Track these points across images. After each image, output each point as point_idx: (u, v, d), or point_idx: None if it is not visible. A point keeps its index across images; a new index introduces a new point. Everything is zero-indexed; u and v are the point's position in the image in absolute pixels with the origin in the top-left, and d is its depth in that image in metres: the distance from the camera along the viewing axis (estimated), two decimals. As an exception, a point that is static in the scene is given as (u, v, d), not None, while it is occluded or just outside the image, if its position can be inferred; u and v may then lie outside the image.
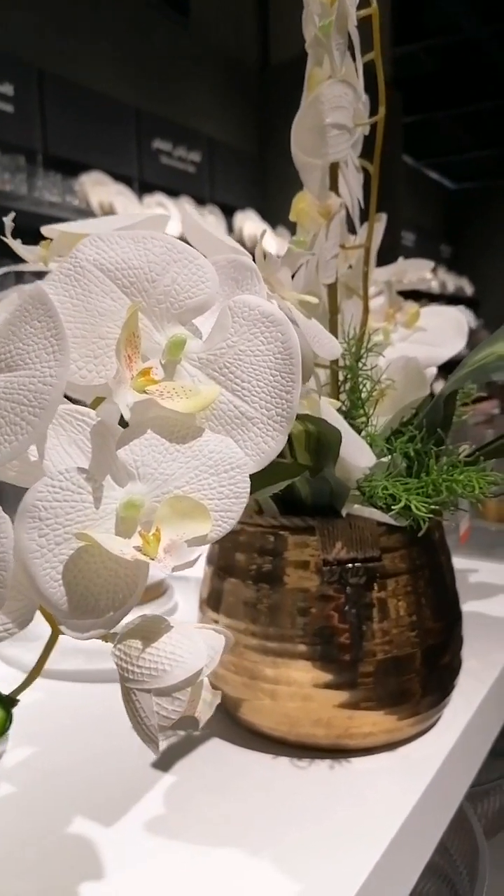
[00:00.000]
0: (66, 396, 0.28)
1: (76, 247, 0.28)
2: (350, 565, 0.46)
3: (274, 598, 0.47)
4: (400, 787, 0.44)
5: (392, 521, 0.46)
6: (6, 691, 0.29)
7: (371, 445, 0.47)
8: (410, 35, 4.89)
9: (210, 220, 3.77)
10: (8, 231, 0.36)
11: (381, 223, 0.53)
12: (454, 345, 0.55)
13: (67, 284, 0.28)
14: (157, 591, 0.74)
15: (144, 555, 0.24)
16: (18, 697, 0.29)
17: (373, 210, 0.50)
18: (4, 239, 0.38)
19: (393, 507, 0.44)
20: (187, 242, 0.31)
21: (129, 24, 3.70)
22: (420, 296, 5.05)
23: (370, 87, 0.48)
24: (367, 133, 0.50)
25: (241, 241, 3.64)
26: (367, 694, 0.46)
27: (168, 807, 0.43)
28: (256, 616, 0.47)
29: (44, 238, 0.37)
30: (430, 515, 0.44)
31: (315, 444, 0.45)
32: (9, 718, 0.27)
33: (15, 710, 0.29)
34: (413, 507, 0.43)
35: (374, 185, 0.49)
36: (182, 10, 3.97)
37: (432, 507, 0.44)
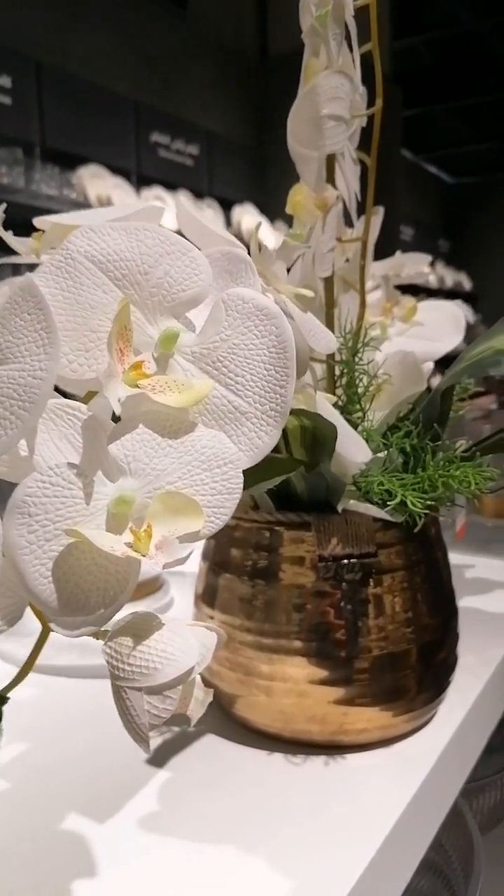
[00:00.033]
0: (59, 391, 0.28)
1: (67, 238, 0.28)
2: (346, 561, 0.45)
3: (269, 594, 0.47)
4: (395, 783, 0.44)
5: (388, 517, 0.45)
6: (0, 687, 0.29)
7: (367, 440, 0.47)
8: (410, 28, 4.87)
9: (208, 214, 3.75)
10: (-1, 222, 0.36)
11: (378, 216, 0.53)
12: (451, 339, 0.55)
13: (58, 276, 0.27)
14: (154, 586, 0.74)
15: (135, 551, 0.24)
16: (9, 695, 0.29)
17: (370, 203, 0.50)
18: None
19: (389, 503, 0.44)
20: (183, 236, 0.31)
21: (128, 17, 3.68)
22: (418, 290, 5.04)
23: (368, 79, 0.48)
24: (364, 125, 0.49)
25: (240, 235, 3.63)
26: (363, 690, 0.46)
27: (162, 803, 0.42)
28: (252, 612, 0.47)
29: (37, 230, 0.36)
30: (426, 511, 0.44)
31: (311, 439, 0.44)
32: (-1, 716, 0.27)
33: (8, 706, 0.28)
34: (409, 502, 0.43)
35: (371, 178, 0.49)
36: (180, 2, 3.95)
37: (428, 502, 0.44)
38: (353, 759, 0.46)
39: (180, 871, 0.37)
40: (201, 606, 0.52)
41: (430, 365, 0.55)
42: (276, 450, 0.46)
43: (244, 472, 0.28)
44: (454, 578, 0.54)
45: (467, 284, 7.36)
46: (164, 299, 0.28)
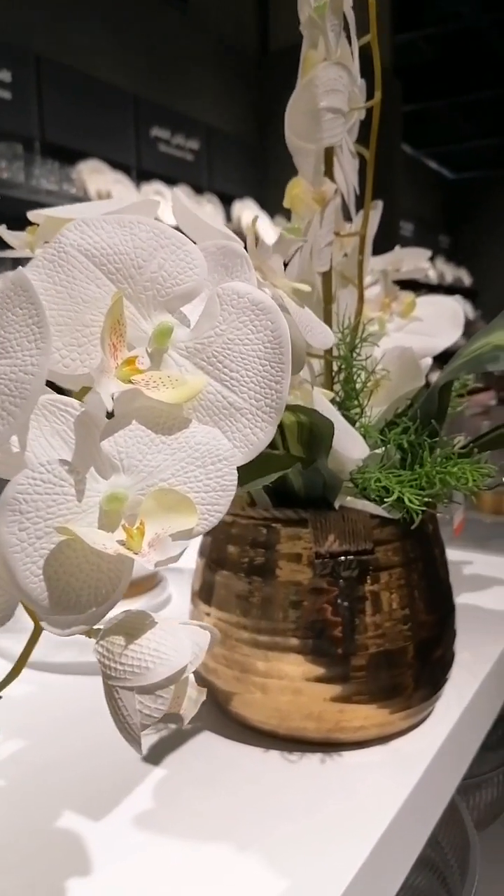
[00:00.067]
0: (56, 386, 0.27)
1: (60, 231, 0.27)
2: (343, 558, 0.45)
3: (266, 591, 0.46)
4: (391, 780, 0.44)
5: (385, 514, 0.45)
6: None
7: (365, 437, 0.47)
8: (410, 23, 4.85)
9: (208, 209, 3.74)
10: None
11: (377, 211, 0.52)
12: (450, 335, 0.54)
13: (51, 270, 0.27)
14: (151, 582, 0.74)
15: (128, 549, 0.24)
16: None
17: (368, 197, 0.49)
18: None
19: (386, 500, 0.44)
20: (181, 231, 0.31)
21: (128, 11, 3.66)
22: (418, 286, 5.03)
23: (367, 72, 0.47)
24: (363, 118, 0.49)
25: (240, 231, 3.61)
26: (359, 688, 0.46)
27: (158, 801, 0.42)
28: (248, 609, 0.47)
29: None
30: (424, 508, 0.43)
31: (308, 435, 0.44)
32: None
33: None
34: (406, 499, 0.43)
35: (369, 172, 0.48)
36: (180, -4, 3.93)
37: (426, 499, 0.44)
38: (349, 756, 0.46)
39: (176, 868, 0.37)
40: (198, 603, 0.51)
41: (428, 361, 0.55)
42: (273, 446, 0.45)
43: (241, 468, 0.28)
44: (452, 575, 0.54)
45: (467, 280, 7.35)
46: (158, 293, 0.28)
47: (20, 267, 0.26)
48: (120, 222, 0.28)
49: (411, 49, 5.20)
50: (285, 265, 0.44)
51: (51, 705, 0.54)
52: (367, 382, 0.50)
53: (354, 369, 0.49)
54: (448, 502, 0.47)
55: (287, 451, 0.45)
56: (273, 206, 3.89)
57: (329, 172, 0.47)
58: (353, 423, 0.48)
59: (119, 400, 0.26)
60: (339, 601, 0.45)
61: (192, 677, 0.26)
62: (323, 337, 0.38)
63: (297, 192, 0.46)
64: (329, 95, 0.43)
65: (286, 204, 0.48)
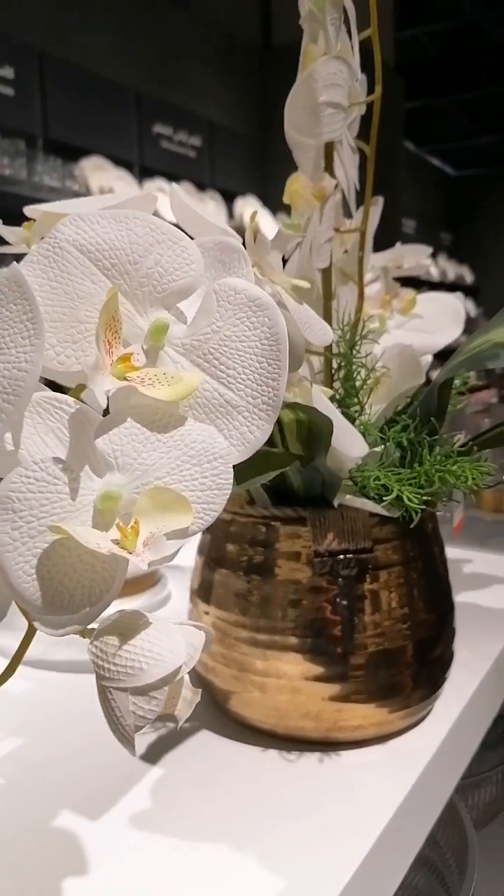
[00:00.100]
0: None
1: (55, 227, 0.27)
2: (342, 557, 0.45)
3: (265, 590, 0.46)
4: (390, 780, 0.44)
5: (384, 512, 0.45)
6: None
7: (365, 434, 0.46)
8: (412, 19, 4.83)
9: (210, 206, 3.74)
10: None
11: (377, 207, 0.52)
12: (451, 332, 0.54)
13: (45, 266, 0.27)
14: (152, 580, 0.74)
15: (122, 548, 0.24)
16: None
17: (369, 193, 0.49)
18: None
19: (385, 498, 0.44)
20: (180, 228, 0.30)
21: (131, 8, 3.65)
22: (420, 283, 5.02)
23: (368, 67, 0.47)
24: (363, 113, 0.49)
25: (242, 228, 3.60)
26: (358, 687, 0.45)
27: (155, 800, 0.42)
28: (247, 608, 0.47)
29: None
30: (423, 507, 0.43)
31: (307, 433, 0.44)
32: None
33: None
34: (405, 498, 0.43)
35: (370, 167, 0.48)
36: (183, -8, 3.92)
37: (425, 497, 0.43)
38: (347, 755, 0.46)
39: (174, 867, 0.37)
40: (196, 602, 0.51)
41: (428, 358, 0.54)
42: (272, 444, 0.45)
43: (239, 466, 0.27)
44: (452, 573, 0.53)
45: (469, 278, 7.33)
46: (154, 289, 0.28)
47: (14, 262, 0.26)
48: (116, 217, 0.28)
49: (414, 45, 5.18)
50: (284, 261, 0.44)
51: (49, 703, 0.54)
52: (367, 380, 0.49)
53: (354, 367, 0.49)
54: (447, 501, 0.46)
55: (286, 449, 0.45)
56: (276, 203, 3.87)
57: (329, 168, 0.46)
58: (352, 420, 0.48)
59: (114, 397, 0.26)
60: (338, 600, 0.45)
61: (187, 678, 0.26)
62: (322, 334, 0.38)
63: (296, 187, 0.46)
64: (329, 90, 0.42)
65: (286, 199, 0.47)
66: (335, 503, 0.45)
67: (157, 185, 3.50)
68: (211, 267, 0.30)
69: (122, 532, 0.24)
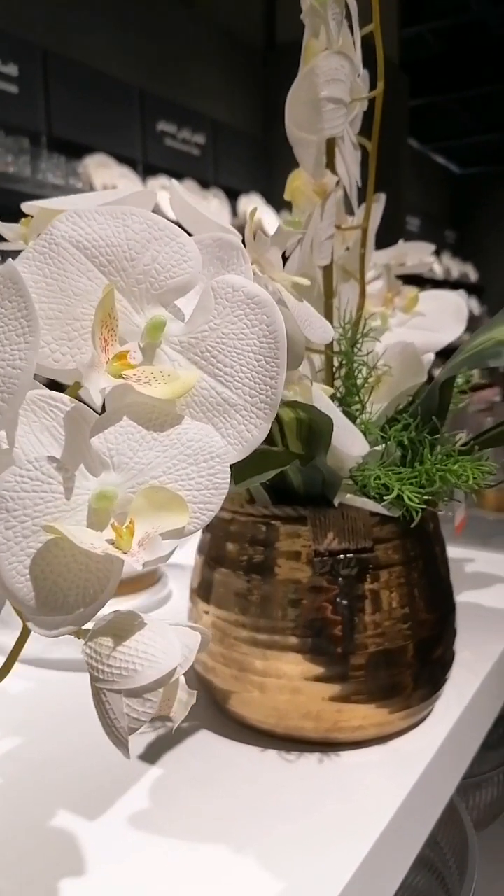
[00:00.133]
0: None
1: (51, 223, 0.27)
2: (342, 556, 0.45)
3: (265, 589, 0.46)
4: (390, 780, 0.43)
5: (385, 512, 0.44)
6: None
7: (365, 433, 0.46)
8: (417, 16, 4.81)
9: (214, 204, 3.73)
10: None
11: (379, 203, 0.52)
12: (453, 330, 0.53)
13: (41, 263, 0.26)
14: (152, 578, 0.73)
15: (117, 548, 0.23)
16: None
17: (370, 189, 0.48)
18: None
19: (386, 497, 0.43)
20: (180, 225, 0.30)
21: (134, 5, 3.65)
22: (424, 281, 5.01)
23: (372, 63, 0.46)
24: (365, 109, 0.48)
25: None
26: (358, 687, 0.45)
27: (154, 800, 0.42)
28: (247, 607, 0.46)
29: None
30: (424, 506, 0.43)
31: (307, 431, 0.44)
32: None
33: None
34: (406, 497, 0.42)
35: (372, 164, 0.48)
36: (187, -11, 3.91)
37: (426, 497, 0.43)
38: (347, 756, 0.46)
39: (173, 867, 0.37)
40: (196, 601, 0.51)
41: (430, 356, 0.54)
42: (272, 442, 0.45)
43: (239, 465, 0.27)
44: (453, 573, 0.53)
45: (473, 275, 7.31)
46: (151, 287, 0.27)
47: (10, 259, 0.25)
48: (112, 214, 0.27)
49: (418, 43, 5.16)
50: (285, 258, 0.44)
51: (48, 702, 0.53)
52: (369, 378, 0.49)
53: (355, 365, 0.48)
54: (449, 500, 0.46)
55: (286, 447, 0.45)
56: (279, 200, 3.84)
57: (330, 164, 0.46)
58: (353, 419, 0.48)
59: (110, 395, 0.26)
60: (338, 600, 0.45)
61: (182, 679, 0.25)
62: (322, 332, 0.38)
63: (297, 184, 0.46)
64: (330, 85, 0.42)
65: (287, 196, 0.47)
66: (335, 502, 0.45)
67: (160, 183, 3.50)
68: (209, 264, 0.30)
69: (117, 532, 0.24)
